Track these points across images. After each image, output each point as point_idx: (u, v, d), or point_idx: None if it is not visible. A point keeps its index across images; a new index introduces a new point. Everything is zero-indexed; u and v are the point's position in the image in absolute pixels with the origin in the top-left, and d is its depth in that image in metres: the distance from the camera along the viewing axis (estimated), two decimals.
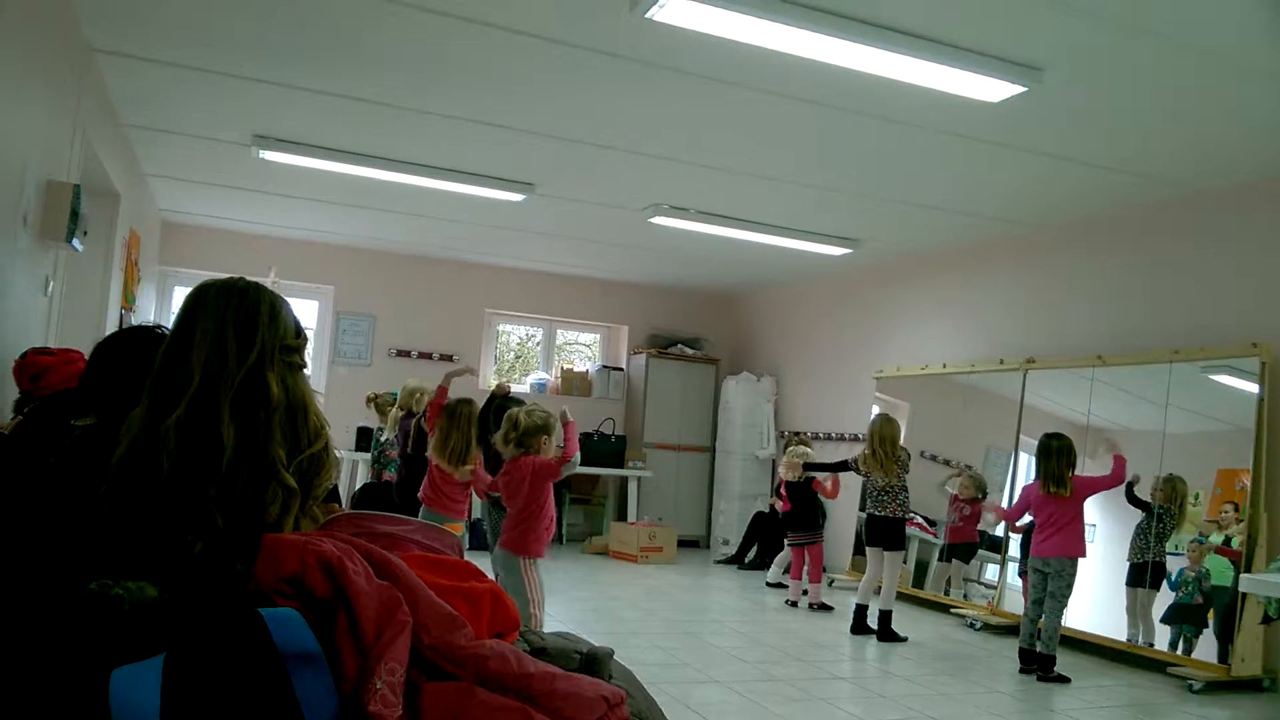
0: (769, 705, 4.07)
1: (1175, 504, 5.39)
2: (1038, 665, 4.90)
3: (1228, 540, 5.08)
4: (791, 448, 7.06)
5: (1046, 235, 6.69)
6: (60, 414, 1.89)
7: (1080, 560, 4.96)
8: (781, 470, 6.91)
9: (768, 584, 7.48)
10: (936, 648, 5.56)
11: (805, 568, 6.66)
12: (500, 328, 10.19)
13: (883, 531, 5.86)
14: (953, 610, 6.58)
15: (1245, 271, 5.38)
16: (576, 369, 10.21)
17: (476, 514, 6.87)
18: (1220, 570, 5.09)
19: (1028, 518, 5.25)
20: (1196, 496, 5.32)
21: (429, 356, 9.20)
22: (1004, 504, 6.50)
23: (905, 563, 7.06)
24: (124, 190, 5.73)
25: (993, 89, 4.19)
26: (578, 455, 4.27)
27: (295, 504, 1.51)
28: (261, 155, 5.91)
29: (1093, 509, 5.74)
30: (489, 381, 9.64)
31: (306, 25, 4.13)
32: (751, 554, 8.54)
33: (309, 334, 1.73)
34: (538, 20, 3.93)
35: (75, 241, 3.99)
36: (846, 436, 8.38)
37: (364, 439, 7.99)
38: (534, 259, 9.19)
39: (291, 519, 1.52)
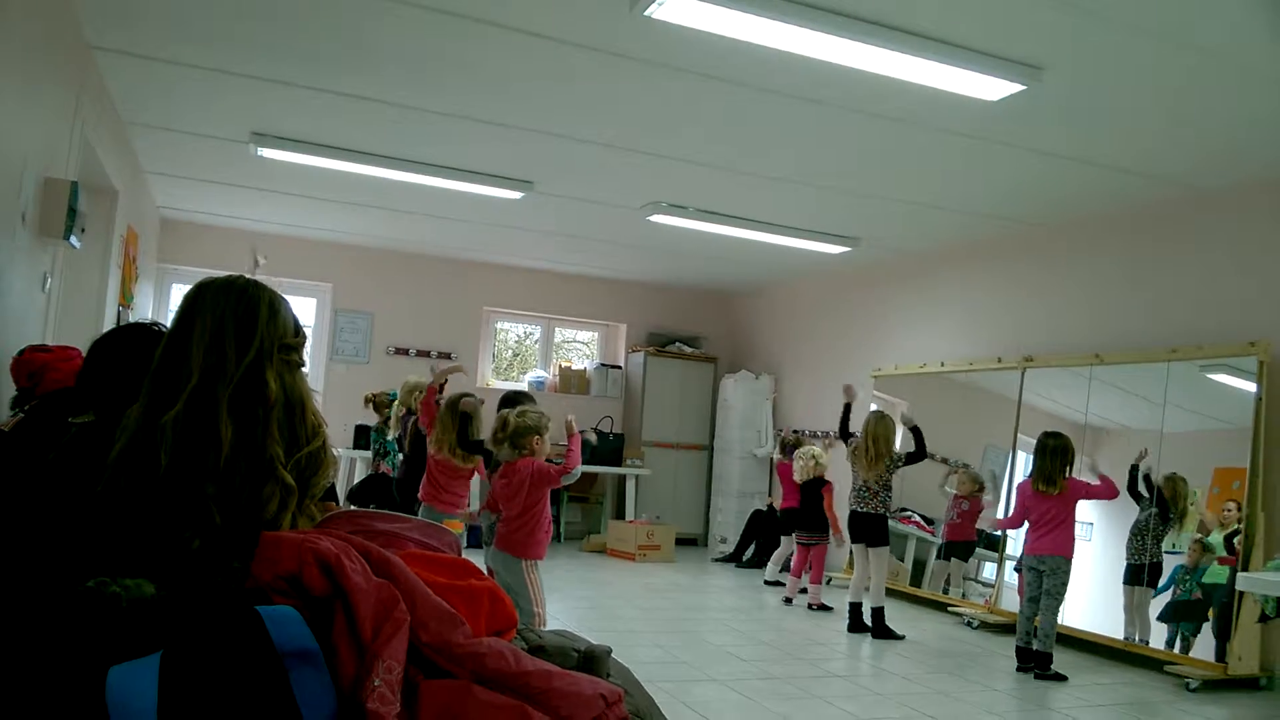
0: (766, 703, 4.07)
1: (1176, 504, 5.39)
2: (1035, 663, 4.91)
3: (1230, 537, 5.08)
4: (802, 448, 7.06)
5: (1045, 234, 6.69)
6: (60, 412, 1.89)
7: (1073, 557, 4.98)
8: (795, 474, 6.90)
9: (765, 582, 7.49)
10: (934, 646, 5.57)
11: (807, 567, 6.67)
12: (498, 325, 10.18)
13: (865, 528, 5.89)
14: (950, 609, 6.58)
15: (1243, 271, 5.38)
16: (574, 367, 10.21)
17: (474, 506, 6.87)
18: (1217, 571, 5.10)
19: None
20: (1195, 495, 5.32)
21: (427, 354, 9.19)
22: (1001, 505, 6.51)
23: (901, 560, 7.08)
24: (122, 187, 5.72)
25: (992, 87, 4.19)
26: (579, 468, 4.26)
27: (293, 502, 1.51)
28: (260, 153, 5.90)
29: (1091, 508, 5.76)
30: (487, 380, 9.66)
31: (305, 23, 4.13)
32: (749, 552, 8.54)
33: (307, 332, 1.72)
34: (537, 18, 3.92)
35: (73, 239, 3.99)
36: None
37: (362, 437, 7.99)
38: (532, 257, 9.19)
39: (289, 517, 1.52)
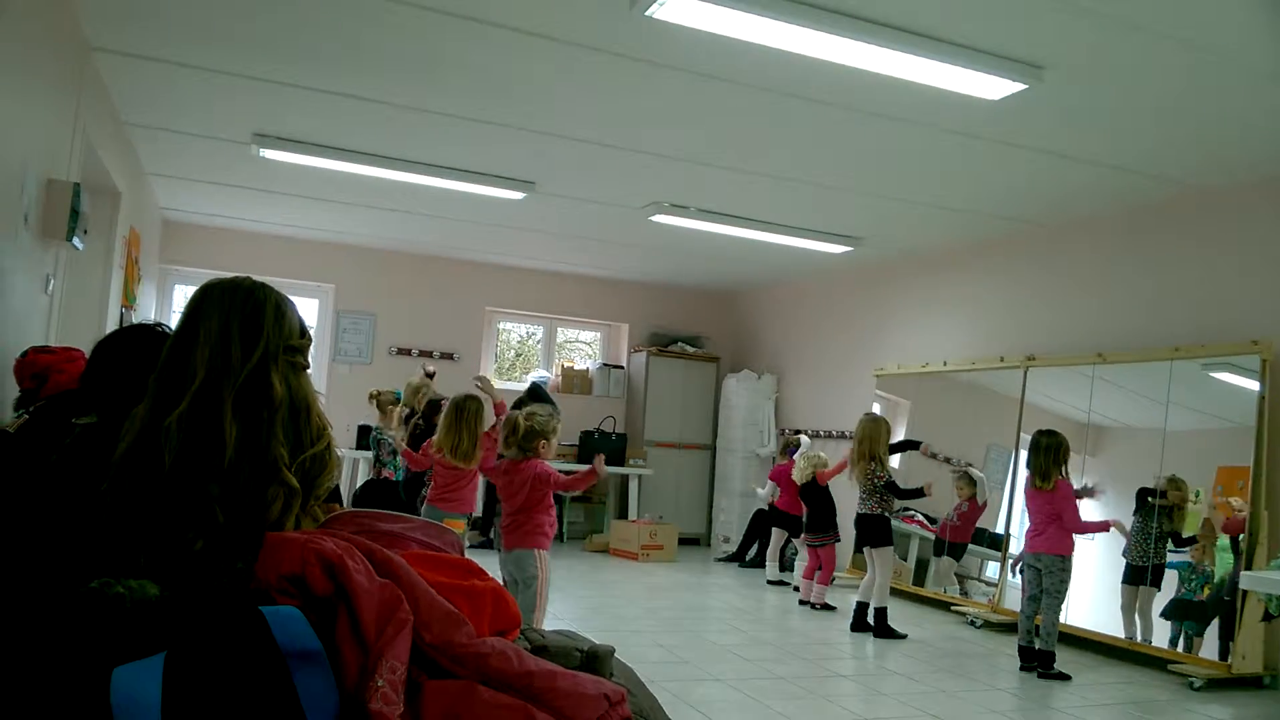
0: (769, 702, 4.07)
1: (1181, 506, 5.37)
2: (1038, 662, 4.91)
3: (1235, 539, 5.07)
4: (804, 451, 7.05)
5: (1047, 233, 6.69)
6: (64, 413, 1.90)
7: (1071, 556, 4.98)
8: (795, 474, 6.91)
9: (768, 582, 7.49)
10: (937, 645, 5.56)
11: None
12: (500, 326, 10.19)
13: (867, 529, 5.93)
14: (953, 608, 6.58)
15: (1246, 269, 5.37)
16: (577, 367, 10.21)
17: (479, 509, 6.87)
18: (1224, 564, 5.09)
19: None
20: (1198, 494, 5.32)
21: (429, 355, 9.20)
22: (1004, 502, 6.52)
23: (905, 560, 7.08)
24: (124, 189, 5.73)
25: (993, 86, 4.19)
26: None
27: (296, 503, 1.52)
28: (262, 153, 5.91)
29: (1095, 507, 5.76)
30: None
31: (307, 23, 4.13)
32: (752, 552, 8.54)
33: (311, 333, 1.72)
34: (538, 18, 3.92)
35: (76, 240, 3.99)
36: (847, 435, 8.37)
37: (365, 437, 7.99)
38: (534, 257, 9.19)
39: (293, 518, 1.52)
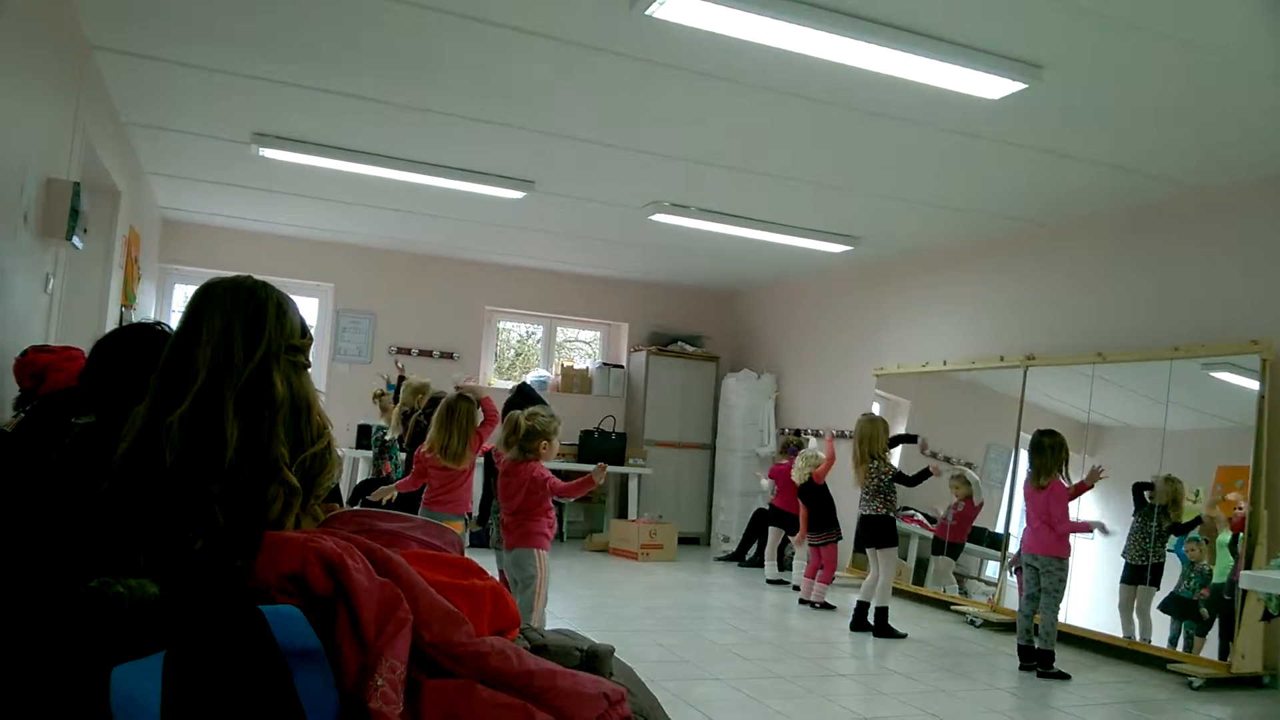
0: (769, 702, 4.07)
1: (1178, 505, 5.38)
2: (1037, 662, 4.91)
3: (1235, 539, 5.07)
4: (804, 451, 7.06)
5: (1047, 232, 6.68)
6: (63, 412, 1.89)
7: (1068, 557, 4.98)
8: (794, 475, 6.90)
9: (768, 581, 7.49)
10: (937, 645, 5.57)
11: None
12: (500, 325, 10.19)
13: (870, 530, 5.93)
14: (953, 607, 6.58)
15: (1246, 269, 5.37)
16: (577, 366, 10.21)
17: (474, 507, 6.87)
18: (1223, 566, 5.09)
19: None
20: (1197, 493, 5.32)
21: (429, 354, 9.20)
22: (1004, 502, 6.52)
23: (905, 559, 7.08)
24: (124, 188, 5.73)
25: (993, 86, 4.19)
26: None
27: (297, 503, 1.52)
28: (261, 153, 5.91)
29: (1094, 507, 5.76)
30: (490, 379, 9.66)
31: (306, 23, 4.13)
32: (752, 551, 8.54)
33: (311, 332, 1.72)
34: (538, 18, 3.92)
35: (75, 239, 3.99)
36: (847, 434, 8.37)
37: (364, 436, 8.00)
38: (534, 256, 9.19)
39: (293, 518, 1.52)
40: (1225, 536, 5.14)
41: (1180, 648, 5.15)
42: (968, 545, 6.81)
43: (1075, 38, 3.78)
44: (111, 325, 5.46)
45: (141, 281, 6.90)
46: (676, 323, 10.38)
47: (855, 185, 6.06)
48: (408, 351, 9.17)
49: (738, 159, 5.68)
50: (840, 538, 6.72)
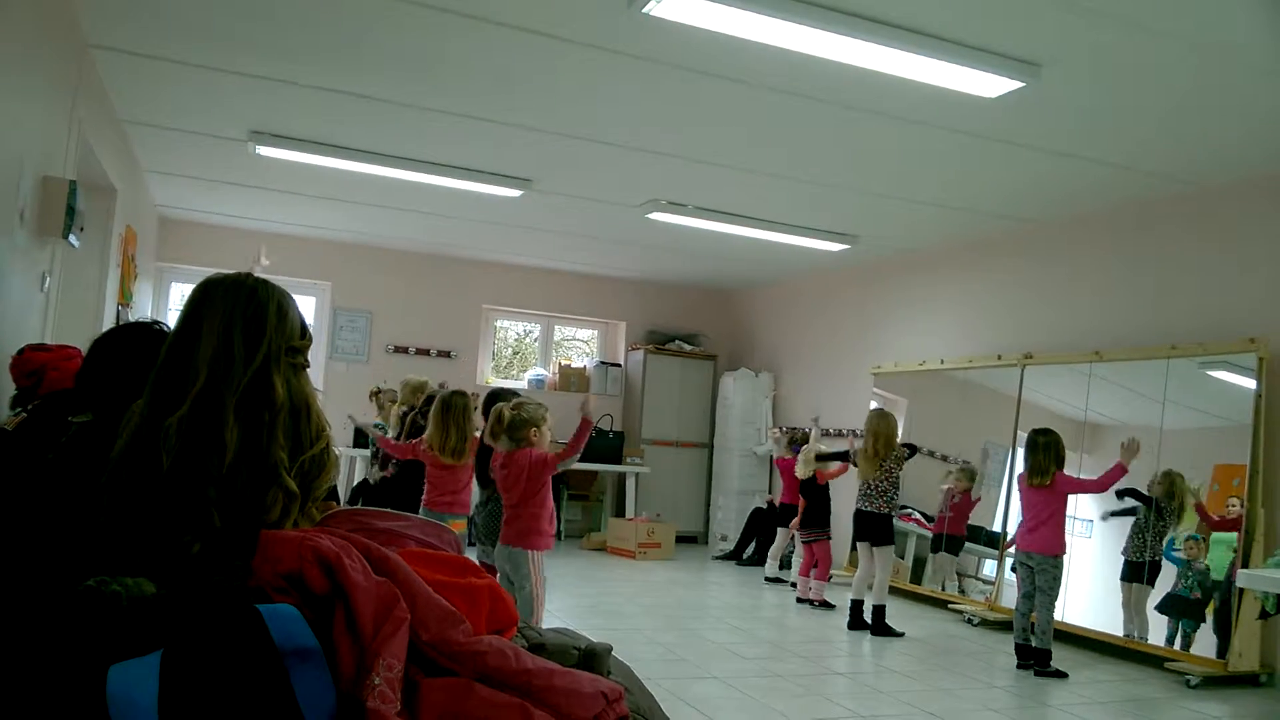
0: (767, 700, 4.07)
1: (1174, 500, 5.39)
2: (1034, 660, 4.91)
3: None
4: (808, 445, 7.05)
5: (1044, 231, 6.69)
6: (62, 411, 1.89)
7: (1064, 555, 4.99)
8: (798, 470, 6.90)
9: (766, 579, 7.50)
10: (934, 643, 5.57)
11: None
12: (498, 324, 10.18)
13: (870, 527, 5.90)
14: (950, 606, 6.59)
15: (1243, 268, 5.38)
16: (574, 365, 10.21)
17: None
18: (1220, 562, 5.09)
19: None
20: (1198, 491, 5.32)
21: (426, 353, 9.20)
22: (1002, 500, 6.52)
23: (902, 558, 7.08)
24: (121, 186, 5.72)
25: (990, 84, 4.19)
26: (577, 455, 4.27)
27: (295, 507, 1.51)
28: (258, 151, 5.90)
29: (1091, 505, 5.77)
30: (487, 379, 9.65)
31: (304, 21, 4.12)
32: (750, 550, 8.54)
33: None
34: (535, 16, 3.92)
35: (72, 238, 3.98)
36: (845, 432, 8.39)
37: (361, 435, 7.98)
38: (532, 255, 9.19)
39: (291, 522, 1.51)
40: (1218, 534, 5.15)
41: (1178, 646, 5.16)
42: (967, 545, 6.81)
43: (1073, 36, 3.78)
44: (108, 324, 5.45)
45: (138, 280, 6.89)
46: (674, 321, 10.38)
47: (852, 184, 6.06)
48: (405, 350, 9.16)
49: (735, 157, 5.68)
50: (829, 538, 6.71)
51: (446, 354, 9.25)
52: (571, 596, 6.30)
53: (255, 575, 1.31)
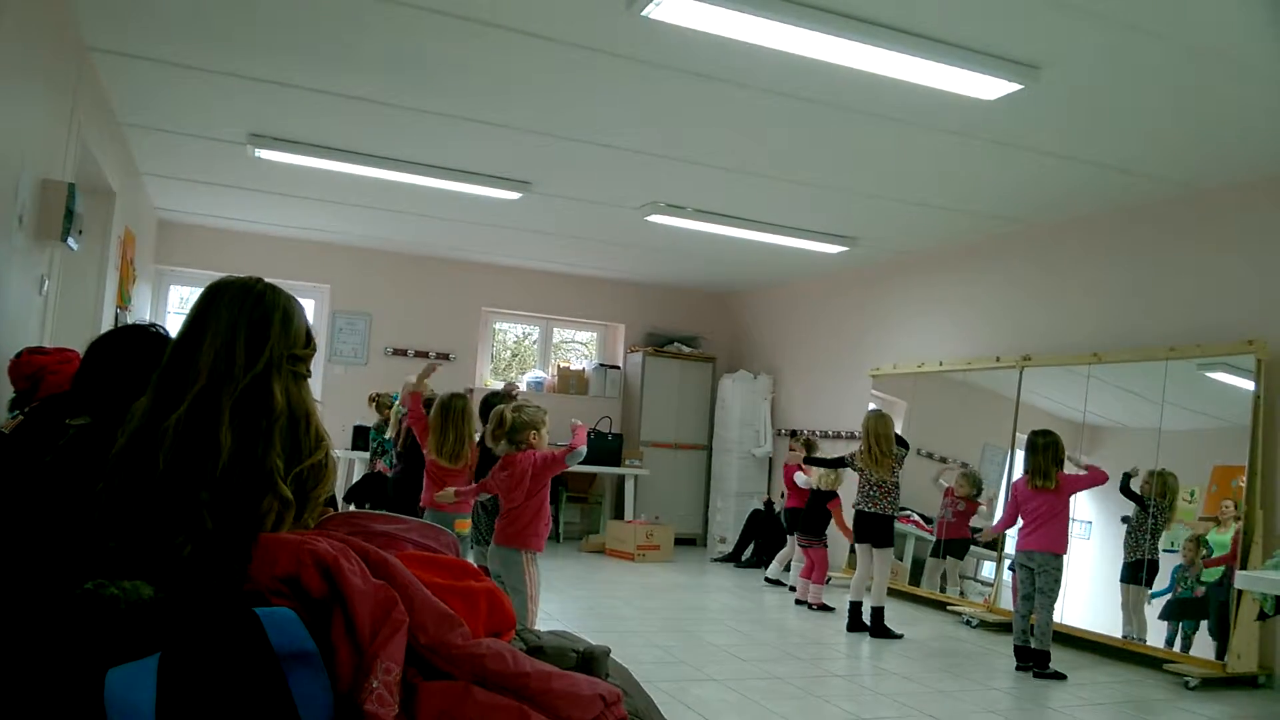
0: (766, 703, 4.07)
1: (1166, 500, 5.40)
2: (1033, 662, 4.91)
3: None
4: (809, 481, 7.02)
5: (1043, 233, 6.69)
6: (59, 414, 1.89)
7: (1065, 555, 4.99)
8: (811, 482, 6.88)
9: (766, 579, 7.49)
10: (933, 645, 5.57)
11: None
12: (496, 326, 10.18)
13: (871, 528, 5.89)
14: (949, 608, 6.59)
15: (1241, 269, 5.38)
16: (573, 367, 10.21)
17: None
18: (1212, 573, 5.11)
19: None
20: (1193, 493, 5.33)
21: (425, 355, 9.19)
22: (998, 509, 6.52)
23: (900, 559, 7.08)
24: (119, 189, 5.72)
25: (989, 87, 4.19)
26: (584, 448, 4.28)
27: (290, 515, 1.50)
28: (257, 154, 5.90)
29: (1089, 506, 5.77)
30: (486, 381, 9.65)
31: (303, 24, 4.12)
32: (748, 552, 8.54)
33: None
34: (534, 18, 3.92)
35: (70, 241, 3.98)
36: (844, 434, 8.39)
37: (360, 438, 7.99)
38: (530, 257, 9.19)
39: (285, 529, 1.51)
40: (1218, 536, 5.15)
41: (1178, 648, 5.16)
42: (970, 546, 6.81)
43: (1071, 38, 3.78)
44: (107, 327, 5.44)
45: (137, 283, 6.89)
46: (673, 324, 10.38)
47: (851, 186, 6.06)
48: (404, 353, 9.16)
49: (734, 160, 5.68)
50: (825, 546, 6.70)
51: (445, 356, 9.25)
52: (570, 599, 6.30)
53: (253, 578, 1.31)
